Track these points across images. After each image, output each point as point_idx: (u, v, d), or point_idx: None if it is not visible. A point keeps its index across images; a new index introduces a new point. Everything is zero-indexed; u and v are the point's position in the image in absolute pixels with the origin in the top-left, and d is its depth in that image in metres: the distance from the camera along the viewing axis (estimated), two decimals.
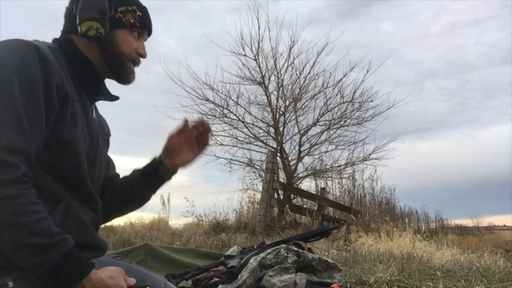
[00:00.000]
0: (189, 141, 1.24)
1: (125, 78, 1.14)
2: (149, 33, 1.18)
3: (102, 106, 1.25)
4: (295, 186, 9.07)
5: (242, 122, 9.37)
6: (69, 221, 0.96)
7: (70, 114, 0.98)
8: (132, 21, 1.10)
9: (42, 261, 0.83)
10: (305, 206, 8.34)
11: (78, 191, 1.02)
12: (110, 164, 1.27)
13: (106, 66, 1.11)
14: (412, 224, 8.39)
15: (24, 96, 0.88)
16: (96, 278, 0.88)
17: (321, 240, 3.91)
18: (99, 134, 1.13)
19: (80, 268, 0.87)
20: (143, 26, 1.14)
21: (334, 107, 9.40)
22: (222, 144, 9.47)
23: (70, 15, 1.08)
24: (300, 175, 9.55)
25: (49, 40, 1.09)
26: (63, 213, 0.96)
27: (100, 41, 1.08)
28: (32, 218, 0.82)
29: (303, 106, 9.50)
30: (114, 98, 1.21)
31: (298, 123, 9.47)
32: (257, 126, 9.50)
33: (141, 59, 1.17)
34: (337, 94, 9.33)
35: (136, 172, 1.27)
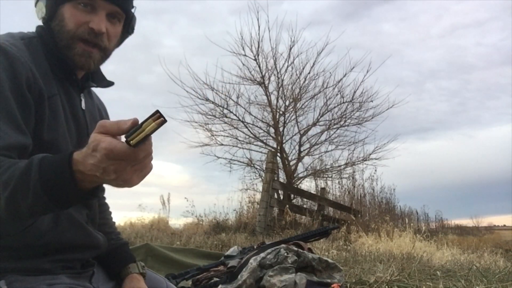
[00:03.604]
0: None
1: (75, 62, 0.97)
2: (110, 0, 0.97)
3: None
4: (295, 186, 9.06)
5: (242, 122, 9.38)
6: (61, 222, 0.93)
7: (48, 111, 0.91)
8: None
9: (32, 194, 0.71)
10: (305, 206, 8.34)
11: None
12: None
13: (61, 50, 0.97)
14: (412, 224, 8.41)
15: None
16: (81, 156, 0.69)
17: (321, 240, 3.91)
18: (90, 125, 1.04)
19: (60, 162, 0.71)
20: None
21: (334, 107, 9.43)
22: (222, 144, 9.50)
23: None
24: (300, 175, 9.57)
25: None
26: (53, 217, 0.91)
27: (52, 23, 0.97)
28: None
29: (303, 106, 9.51)
30: (108, 84, 1.11)
31: (298, 123, 9.49)
32: (257, 126, 9.52)
33: (105, 38, 0.98)
34: (337, 94, 9.36)
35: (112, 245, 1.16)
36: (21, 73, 0.86)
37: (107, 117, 1.20)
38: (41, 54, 0.96)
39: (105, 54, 1.02)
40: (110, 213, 1.26)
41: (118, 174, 0.67)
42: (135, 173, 0.69)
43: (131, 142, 0.64)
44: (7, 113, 0.82)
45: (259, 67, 9.11)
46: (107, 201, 1.27)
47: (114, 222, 1.26)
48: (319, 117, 9.44)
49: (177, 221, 9.13)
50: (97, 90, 1.20)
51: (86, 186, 0.71)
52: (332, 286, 1.92)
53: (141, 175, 0.70)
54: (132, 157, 0.66)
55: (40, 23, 1.01)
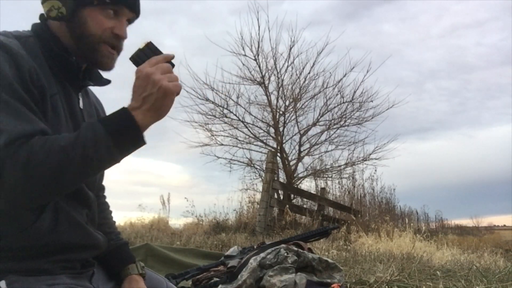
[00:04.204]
0: None
1: (99, 63, 1.02)
2: (131, 9, 1.02)
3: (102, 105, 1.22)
4: (295, 186, 9.07)
5: (242, 122, 9.39)
6: (60, 224, 0.92)
7: (50, 110, 0.91)
8: None
9: (102, 144, 0.82)
10: (305, 206, 8.34)
11: None
12: None
13: (78, 50, 1.00)
14: (412, 224, 8.41)
15: (8, 93, 0.82)
16: (133, 105, 0.86)
17: (321, 240, 3.91)
18: None
19: (120, 115, 0.85)
20: (117, 2, 0.99)
21: (334, 107, 9.44)
22: (222, 144, 9.50)
23: None
24: (300, 175, 9.57)
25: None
26: (53, 217, 0.91)
27: (69, 23, 0.98)
28: (55, 146, 0.80)
29: (303, 106, 9.52)
30: (105, 82, 1.11)
31: (298, 123, 9.50)
32: (257, 126, 9.53)
33: (123, 42, 1.04)
34: (337, 94, 9.37)
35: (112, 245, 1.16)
36: (25, 68, 0.87)
37: (104, 115, 1.19)
38: (39, 53, 0.95)
39: (118, 56, 1.07)
40: (110, 212, 1.26)
41: (154, 76, 0.85)
42: (166, 77, 0.86)
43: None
44: (24, 102, 0.84)
45: (259, 67, 9.13)
46: (107, 200, 1.27)
47: (114, 222, 1.26)
48: (319, 117, 9.46)
49: (177, 221, 9.15)
50: (98, 90, 1.20)
51: (141, 121, 0.85)
52: (332, 286, 1.92)
53: (173, 84, 0.86)
54: (154, 60, 0.88)
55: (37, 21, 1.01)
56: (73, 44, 1.00)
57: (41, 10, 1.03)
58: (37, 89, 0.88)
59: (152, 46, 0.92)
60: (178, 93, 0.88)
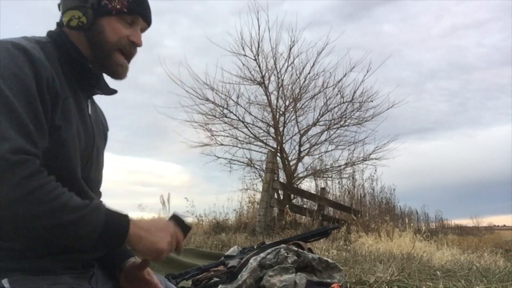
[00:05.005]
0: None
1: (113, 71, 1.07)
2: (145, 20, 1.09)
3: (104, 106, 1.23)
4: (295, 186, 9.07)
5: (242, 122, 9.38)
6: None
7: (61, 112, 0.94)
8: (118, 7, 1.02)
9: (93, 227, 0.86)
10: (305, 206, 8.34)
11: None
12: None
13: (94, 58, 1.04)
14: (412, 224, 8.40)
15: (22, 99, 0.84)
16: (137, 222, 0.94)
17: (321, 240, 3.91)
18: (95, 130, 1.09)
19: (121, 218, 0.92)
20: (133, 12, 1.05)
21: (334, 107, 9.43)
22: (222, 144, 9.50)
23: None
24: (300, 175, 9.57)
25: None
26: None
27: (87, 31, 1.02)
28: (65, 198, 0.84)
29: (303, 106, 9.51)
30: (112, 92, 1.15)
31: (298, 123, 9.49)
32: (257, 126, 9.52)
33: (137, 49, 1.09)
34: (337, 94, 9.36)
35: None
36: (43, 74, 0.89)
37: (106, 124, 1.22)
38: (55, 58, 0.98)
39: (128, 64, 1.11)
40: None
41: (163, 241, 0.97)
42: (169, 245, 0.99)
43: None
44: (34, 112, 0.86)
45: (259, 67, 9.12)
46: (105, 200, 1.27)
47: None
48: (319, 117, 9.45)
49: None
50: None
51: (131, 235, 0.91)
52: (332, 286, 1.92)
53: (168, 249, 0.98)
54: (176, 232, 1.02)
55: (49, 27, 1.04)
56: (90, 53, 1.03)
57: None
58: (50, 95, 0.91)
59: (184, 223, 1.07)
60: (170, 251, 1.00)
